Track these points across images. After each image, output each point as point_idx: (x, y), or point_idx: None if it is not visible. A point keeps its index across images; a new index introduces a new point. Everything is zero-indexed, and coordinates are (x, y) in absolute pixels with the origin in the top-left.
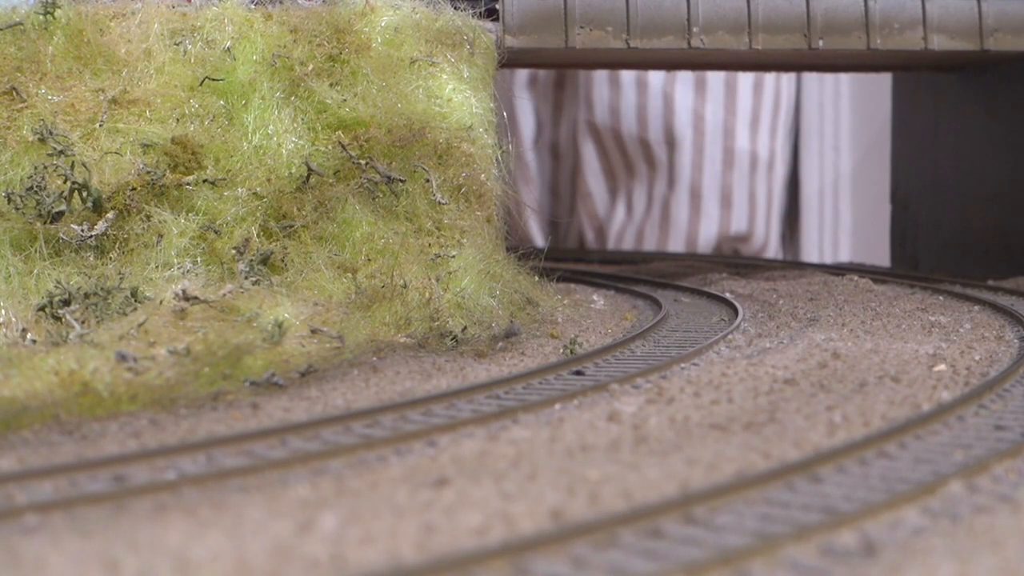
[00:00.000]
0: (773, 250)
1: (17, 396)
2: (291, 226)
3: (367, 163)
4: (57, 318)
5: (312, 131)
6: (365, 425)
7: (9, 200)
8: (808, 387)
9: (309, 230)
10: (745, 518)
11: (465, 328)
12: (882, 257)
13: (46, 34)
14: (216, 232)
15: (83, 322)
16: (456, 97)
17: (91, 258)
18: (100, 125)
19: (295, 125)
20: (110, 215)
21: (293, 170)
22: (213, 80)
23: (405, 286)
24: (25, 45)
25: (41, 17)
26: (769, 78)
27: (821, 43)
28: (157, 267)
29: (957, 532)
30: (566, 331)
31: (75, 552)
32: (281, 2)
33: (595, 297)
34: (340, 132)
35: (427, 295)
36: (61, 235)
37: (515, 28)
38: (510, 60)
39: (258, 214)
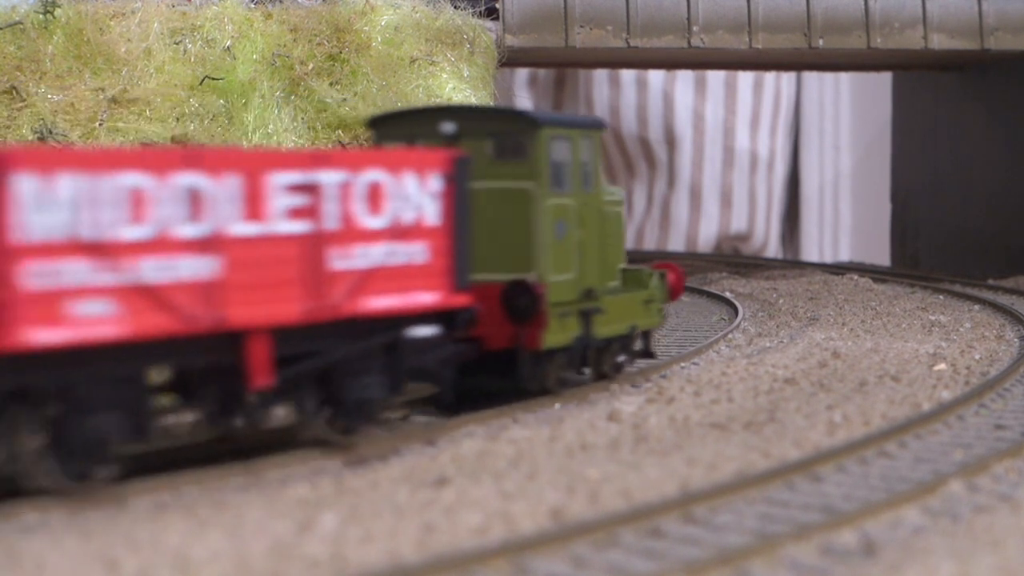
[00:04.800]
0: (773, 249)
1: None
2: None
3: None
4: None
5: (312, 130)
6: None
7: None
8: (808, 386)
9: None
10: (745, 517)
11: None
12: (882, 256)
13: (46, 33)
14: None
15: None
16: (456, 96)
17: None
18: (100, 124)
19: (295, 124)
20: None
21: None
22: (213, 79)
23: None
24: (25, 44)
25: (41, 16)
26: (769, 77)
27: (821, 42)
28: None
29: (957, 531)
30: None
31: (75, 552)
32: (281, 1)
33: None
34: (340, 131)
35: None
36: None
37: (515, 27)
38: (510, 59)
39: None
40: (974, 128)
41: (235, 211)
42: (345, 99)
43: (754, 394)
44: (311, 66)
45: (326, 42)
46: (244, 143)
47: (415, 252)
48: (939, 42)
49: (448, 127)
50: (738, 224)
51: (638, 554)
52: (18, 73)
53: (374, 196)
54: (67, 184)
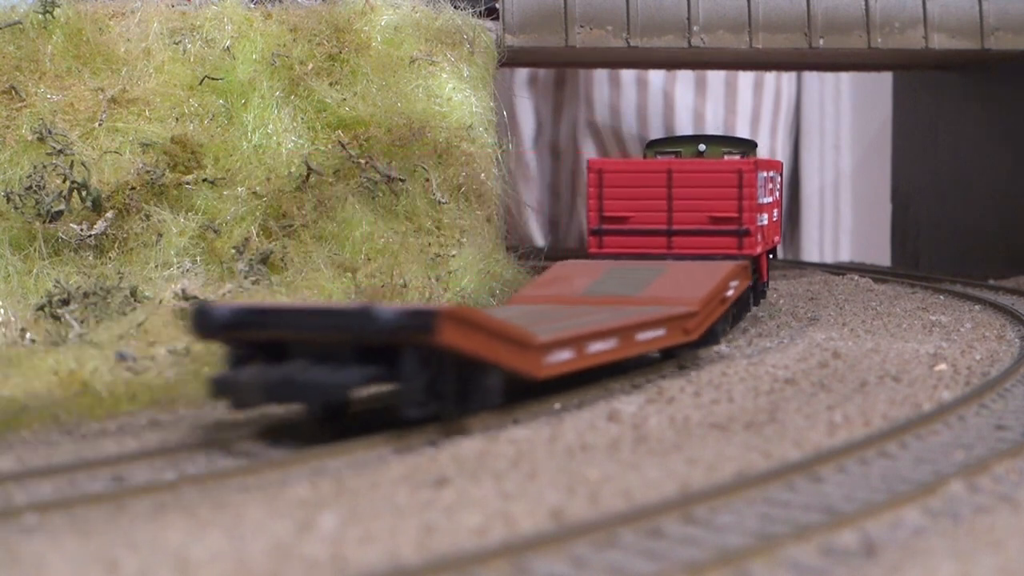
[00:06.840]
0: None
1: (16, 396)
2: (291, 225)
3: (367, 162)
4: (56, 318)
5: (312, 130)
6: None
7: (8, 199)
8: (808, 387)
9: (309, 229)
10: (745, 518)
11: None
12: (883, 256)
13: (45, 33)
14: (215, 231)
15: (82, 322)
16: (456, 96)
17: (90, 257)
18: (99, 124)
19: (295, 124)
20: (109, 214)
21: (293, 169)
22: (212, 79)
23: (405, 285)
24: (24, 44)
25: (40, 16)
26: (769, 77)
27: (821, 42)
28: (156, 266)
29: (958, 532)
30: None
31: (75, 552)
32: (281, 1)
33: None
34: (340, 131)
35: (427, 294)
36: (60, 234)
37: (515, 27)
38: (510, 59)
39: (257, 213)
40: (974, 128)
41: (764, 190)
42: (345, 99)
43: (754, 394)
44: (311, 66)
45: (326, 42)
46: (244, 143)
47: (776, 214)
48: (940, 42)
49: (701, 147)
50: None
51: (638, 554)
52: (17, 73)
53: (772, 183)
54: (759, 175)
